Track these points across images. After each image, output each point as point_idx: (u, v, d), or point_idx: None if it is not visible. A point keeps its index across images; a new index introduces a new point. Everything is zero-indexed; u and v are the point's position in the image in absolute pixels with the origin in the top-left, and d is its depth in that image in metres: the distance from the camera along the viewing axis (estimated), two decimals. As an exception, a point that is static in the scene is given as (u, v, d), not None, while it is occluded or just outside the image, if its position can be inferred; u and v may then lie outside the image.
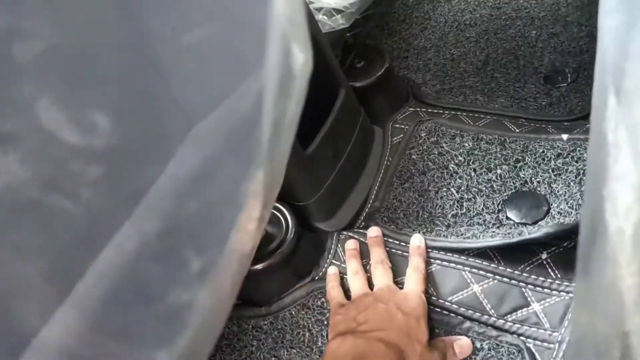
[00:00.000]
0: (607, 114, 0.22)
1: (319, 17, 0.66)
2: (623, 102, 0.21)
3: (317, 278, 0.60)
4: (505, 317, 0.51)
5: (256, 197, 0.23)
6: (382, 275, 0.56)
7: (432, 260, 0.57)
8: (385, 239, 0.60)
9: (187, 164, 0.22)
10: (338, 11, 0.66)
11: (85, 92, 0.21)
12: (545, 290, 0.51)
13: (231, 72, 0.26)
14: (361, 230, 0.62)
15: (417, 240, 0.58)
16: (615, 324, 0.22)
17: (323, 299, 0.58)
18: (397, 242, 0.60)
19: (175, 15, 0.25)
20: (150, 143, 0.22)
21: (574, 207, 0.54)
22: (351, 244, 0.60)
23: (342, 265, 0.60)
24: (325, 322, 0.56)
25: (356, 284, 0.56)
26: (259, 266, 0.55)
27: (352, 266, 0.58)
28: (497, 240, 0.53)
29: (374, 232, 0.61)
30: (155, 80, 0.24)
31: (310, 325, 0.57)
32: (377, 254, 0.58)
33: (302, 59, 0.27)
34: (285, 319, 0.58)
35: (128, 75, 0.23)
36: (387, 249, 0.59)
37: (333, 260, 0.60)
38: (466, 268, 0.55)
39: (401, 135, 0.70)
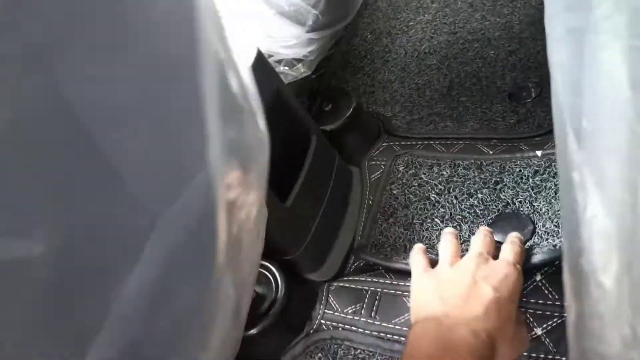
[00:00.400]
0: (568, 155, 0.22)
1: (280, 68, 0.66)
2: (584, 145, 0.20)
3: (311, 332, 0.58)
4: (509, 347, 0.50)
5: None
6: (476, 243, 0.51)
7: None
8: (376, 280, 0.59)
9: (155, 266, 0.21)
10: (299, 60, 0.66)
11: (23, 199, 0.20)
12: (546, 313, 0.50)
13: (189, 159, 0.25)
14: (350, 278, 0.61)
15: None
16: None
17: (320, 354, 0.56)
18: (389, 282, 0.58)
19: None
20: (110, 248, 0.21)
21: (560, 225, 0.54)
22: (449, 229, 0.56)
23: (336, 313, 0.58)
24: (328, 378, 0.55)
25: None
26: (252, 331, 0.54)
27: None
28: None
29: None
30: (104, 175, 0.23)
31: None
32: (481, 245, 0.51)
33: (259, 137, 0.27)
34: None
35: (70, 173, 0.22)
36: (379, 290, 0.58)
37: (326, 311, 0.59)
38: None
39: (379, 172, 0.70)
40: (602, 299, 0.18)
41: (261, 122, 0.28)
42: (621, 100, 0.22)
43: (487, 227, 0.54)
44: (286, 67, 0.65)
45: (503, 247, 0.51)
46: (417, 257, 0.54)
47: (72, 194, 0.22)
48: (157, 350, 0.20)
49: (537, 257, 0.52)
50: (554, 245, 0.53)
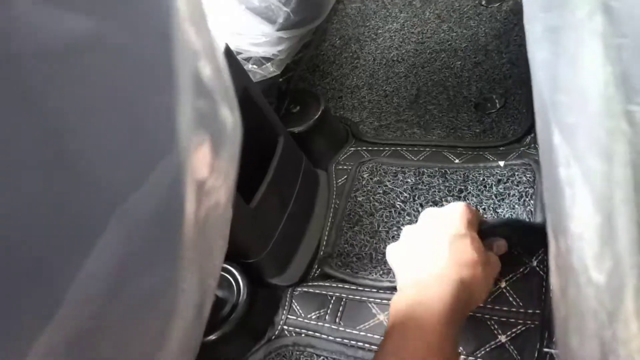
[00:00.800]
0: (554, 151, 0.21)
1: (249, 67, 0.65)
2: (569, 139, 0.20)
3: (273, 338, 0.56)
4: (475, 354, 0.50)
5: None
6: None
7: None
8: (341, 285, 0.58)
9: (113, 255, 0.19)
10: (268, 59, 0.65)
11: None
12: (511, 320, 0.50)
13: (153, 144, 0.23)
14: (315, 283, 0.59)
15: None
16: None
17: None
18: (355, 288, 0.58)
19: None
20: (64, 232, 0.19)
21: None
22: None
23: (299, 319, 0.57)
24: (290, 386, 0.53)
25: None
26: (212, 336, 0.51)
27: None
28: None
29: None
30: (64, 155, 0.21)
31: None
32: None
33: (231, 121, 0.25)
34: None
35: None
36: (344, 295, 0.57)
37: (289, 316, 0.57)
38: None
39: (344, 177, 0.70)
40: (593, 295, 0.17)
41: (234, 107, 0.26)
42: (602, 96, 0.22)
43: None
44: (255, 66, 0.64)
45: None
46: None
47: (20, 175, 0.19)
48: (109, 344, 0.18)
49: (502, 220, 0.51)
50: (514, 252, 0.53)
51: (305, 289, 0.59)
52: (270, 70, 0.64)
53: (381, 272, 0.57)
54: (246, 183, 0.57)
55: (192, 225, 0.20)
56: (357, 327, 0.55)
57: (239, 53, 0.65)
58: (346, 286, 0.58)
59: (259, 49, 0.62)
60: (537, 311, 0.50)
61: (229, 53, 0.56)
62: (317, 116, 0.70)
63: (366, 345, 0.54)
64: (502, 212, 0.58)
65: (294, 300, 0.58)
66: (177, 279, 0.20)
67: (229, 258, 0.57)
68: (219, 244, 0.26)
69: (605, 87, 0.22)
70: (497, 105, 0.73)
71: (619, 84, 0.22)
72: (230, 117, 0.25)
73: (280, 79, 0.82)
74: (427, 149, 0.70)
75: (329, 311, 0.57)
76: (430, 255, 0.45)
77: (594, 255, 0.18)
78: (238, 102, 0.59)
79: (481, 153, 0.66)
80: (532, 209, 0.56)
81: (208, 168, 0.23)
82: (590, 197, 0.18)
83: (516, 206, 0.58)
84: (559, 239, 0.20)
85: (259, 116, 0.61)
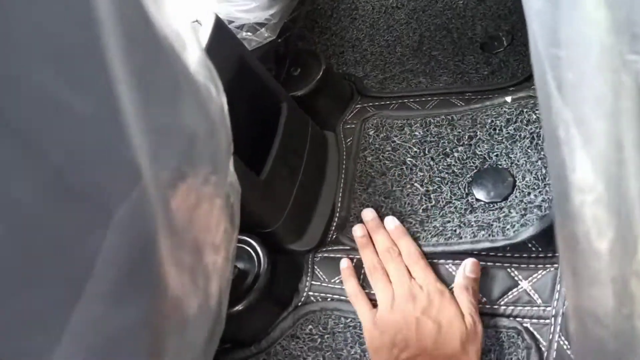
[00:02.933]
0: (553, 112, 0.20)
1: (243, 34, 0.63)
2: (567, 99, 0.19)
3: (300, 304, 0.57)
4: (498, 302, 0.50)
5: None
6: (395, 268, 0.53)
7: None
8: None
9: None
10: (261, 25, 0.63)
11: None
12: (531, 266, 0.50)
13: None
14: (334, 247, 0.60)
15: (390, 223, 0.56)
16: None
17: (311, 326, 0.56)
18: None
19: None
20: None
21: (539, 178, 0.53)
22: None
23: (323, 284, 0.58)
24: (318, 347, 0.54)
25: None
26: (239, 307, 0.52)
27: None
28: (483, 243, 0.51)
29: (369, 214, 0.58)
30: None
31: (304, 354, 0.54)
32: (381, 241, 0.55)
33: (216, 99, 0.25)
34: (278, 353, 0.55)
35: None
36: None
37: (313, 282, 0.58)
38: (449, 261, 0.53)
39: (352, 137, 0.68)
40: (597, 265, 0.17)
41: (215, 97, 0.26)
42: (602, 47, 0.21)
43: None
44: (249, 33, 0.62)
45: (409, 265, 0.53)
46: (355, 296, 0.54)
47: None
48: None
49: (529, 232, 0.49)
50: (539, 207, 0.51)
51: (325, 254, 0.60)
52: (265, 35, 0.62)
53: None
54: (254, 155, 0.57)
55: (167, 254, 0.20)
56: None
57: (231, 22, 0.63)
58: None
59: (251, 15, 0.60)
60: (557, 254, 0.49)
61: (219, 23, 0.54)
62: (319, 76, 0.68)
63: (390, 301, 0.55)
64: (515, 157, 0.57)
65: (315, 267, 0.59)
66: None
67: (246, 230, 0.57)
68: (210, 239, 0.26)
69: (604, 36, 0.20)
70: (505, 43, 0.70)
71: (619, 32, 0.20)
72: (209, 109, 0.25)
73: (279, 40, 0.80)
74: (435, 98, 0.68)
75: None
76: (411, 339, 0.47)
77: (596, 222, 0.17)
78: (235, 74, 0.58)
79: (490, 96, 0.64)
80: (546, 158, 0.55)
81: (186, 186, 0.22)
82: (591, 162, 0.17)
83: (529, 150, 0.56)
84: (561, 205, 0.19)
85: (259, 85, 0.60)
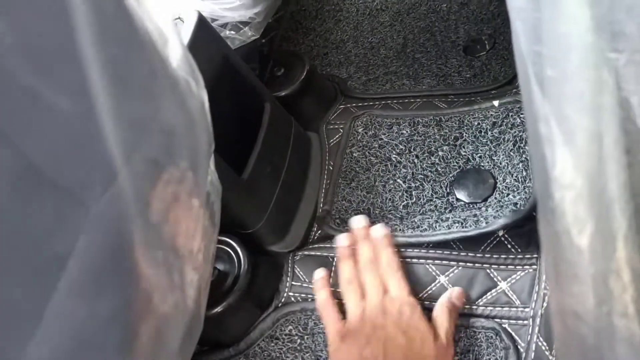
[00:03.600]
0: (534, 107, 0.20)
1: (226, 33, 0.62)
2: (549, 95, 0.19)
3: (280, 305, 0.57)
4: (476, 302, 0.51)
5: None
6: (371, 280, 0.52)
7: (394, 258, 0.55)
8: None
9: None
10: (245, 23, 0.62)
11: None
12: (509, 267, 0.50)
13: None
14: (315, 246, 0.59)
15: (379, 230, 0.55)
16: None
17: (290, 327, 0.55)
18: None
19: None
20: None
21: (519, 180, 0.54)
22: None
23: (304, 284, 0.57)
24: (298, 349, 0.54)
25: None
26: (218, 309, 0.52)
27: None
28: (454, 233, 0.51)
29: (359, 222, 0.57)
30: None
31: (283, 355, 0.54)
32: (365, 253, 0.54)
33: (197, 94, 0.24)
34: (257, 354, 0.55)
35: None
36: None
37: (293, 283, 0.58)
38: (429, 261, 0.53)
39: (337, 136, 0.68)
40: (578, 262, 0.17)
41: (195, 92, 0.25)
42: (583, 45, 0.21)
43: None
44: (232, 32, 0.61)
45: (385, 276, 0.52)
46: (324, 307, 0.53)
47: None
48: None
49: (499, 222, 0.51)
50: (515, 204, 0.52)
51: (306, 253, 0.59)
52: (249, 34, 0.62)
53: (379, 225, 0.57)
54: (236, 155, 0.56)
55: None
56: None
57: (214, 20, 0.62)
58: None
59: (235, 14, 0.59)
60: (535, 255, 0.50)
61: (202, 21, 0.54)
62: (302, 77, 0.68)
63: (371, 303, 0.54)
64: (497, 159, 0.57)
65: (296, 266, 0.58)
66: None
67: (227, 230, 0.57)
68: (188, 237, 0.26)
69: (585, 34, 0.21)
70: (487, 47, 0.71)
71: (600, 29, 0.20)
72: (189, 104, 0.24)
73: (263, 40, 0.79)
74: (418, 100, 0.68)
75: (332, 274, 0.57)
76: None
77: (576, 218, 0.17)
78: (218, 72, 0.57)
79: (473, 99, 0.65)
80: (529, 157, 0.55)
81: (165, 181, 0.22)
82: (571, 158, 0.17)
83: (512, 153, 0.57)
84: (543, 200, 0.19)
85: (242, 84, 0.59)
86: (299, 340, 0.55)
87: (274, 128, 0.61)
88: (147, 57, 0.28)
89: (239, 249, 0.55)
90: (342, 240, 0.56)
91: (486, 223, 0.51)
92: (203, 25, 0.54)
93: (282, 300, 0.57)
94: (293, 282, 0.58)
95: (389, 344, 0.46)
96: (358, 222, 0.57)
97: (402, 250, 0.55)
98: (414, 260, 0.54)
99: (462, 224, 0.52)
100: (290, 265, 0.59)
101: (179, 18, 0.54)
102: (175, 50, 0.31)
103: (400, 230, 0.56)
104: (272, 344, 0.55)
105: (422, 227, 0.54)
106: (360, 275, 0.53)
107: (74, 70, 0.23)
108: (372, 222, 0.58)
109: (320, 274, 0.56)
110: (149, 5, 0.29)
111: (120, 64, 0.25)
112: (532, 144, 0.21)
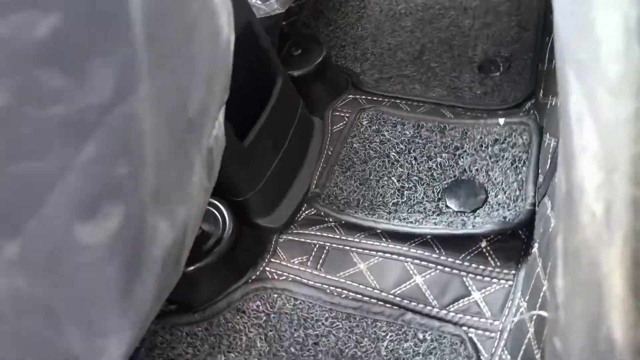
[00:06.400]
0: (569, 92, 0.21)
1: (253, 1, 0.62)
2: (579, 75, 0.20)
3: (254, 278, 0.57)
4: (447, 308, 0.51)
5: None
6: None
7: (375, 252, 0.56)
8: (325, 234, 0.58)
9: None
10: (272, -5, 0.63)
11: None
12: (486, 278, 0.51)
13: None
14: (300, 231, 0.59)
15: None
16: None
17: (259, 302, 0.55)
18: (338, 237, 0.58)
19: None
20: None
21: (512, 198, 0.55)
22: None
23: (283, 263, 0.57)
24: (262, 325, 0.54)
25: None
26: (195, 266, 0.52)
27: None
28: (440, 229, 0.52)
29: None
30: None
31: (247, 329, 0.54)
32: None
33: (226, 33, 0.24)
34: (221, 324, 0.54)
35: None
36: (327, 244, 0.58)
37: (272, 260, 0.58)
38: (408, 259, 0.54)
39: (341, 123, 0.69)
40: (591, 225, 0.17)
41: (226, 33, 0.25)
42: (614, 40, 0.21)
43: None
44: (259, 1, 0.62)
45: None
46: None
47: None
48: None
49: (486, 227, 0.52)
50: (504, 217, 0.54)
51: (290, 237, 0.59)
52: (275, 7, 0.62)
53: (365, 214, 0.58)
54: (241, 119, 0.56)
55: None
56: (337, 274, 0.56)
57: (244, -15, 0.62)
58: (330, 235, 0.59)
59: (265, -17, 0.60)
60: (513, 272, 0.51)
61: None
62: (318, 61, 0.69)
63: (344, 292, 0.55)
64: (493, 175, 0.58)
65: (278, 247, 0.59)
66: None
67: (218, 194, 0.57)
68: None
69: (616, 30, 0.21)
70: (501, 69, 0.72)
71: (630, 28, 0.21)
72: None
73: (284, 22, 0.79)
74: (427, 105, 0.69)
75: (311, 258, 0.57)
76: None
77: (595, 186, 0.18)
78: (239, 36, 0.57)
79: (480, 114, 0.66)
80: (524, 178, 0.56)
81: None
82: (595, 129, 0.18)
83: (507, 171, 0.58)
84: (567, 171, 0.20)
85: (260, 53, 0.59)
86: (264, 317, 0.54)
87: (281, 104, 0.61)
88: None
89: (225, 213, 0.55)
90: None
91: (473, 227, 0.51)
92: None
93: (257, 273, 0.57)
94: (272, 259, 0.58)
95: None
96: None
97: (385, 243, 0.55)
98: (394, 257, 0.55)
99: (449, 225, 0.53)
100: (273, 244, 0.59)
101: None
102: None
103: (386, 219, 0.56)
104: (238, 317, 0.55)
105: (409, 219, 0.55)
106: None
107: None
108: (361, 211, 0.58)
109: None
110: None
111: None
112: (561, 124, 0.22)
